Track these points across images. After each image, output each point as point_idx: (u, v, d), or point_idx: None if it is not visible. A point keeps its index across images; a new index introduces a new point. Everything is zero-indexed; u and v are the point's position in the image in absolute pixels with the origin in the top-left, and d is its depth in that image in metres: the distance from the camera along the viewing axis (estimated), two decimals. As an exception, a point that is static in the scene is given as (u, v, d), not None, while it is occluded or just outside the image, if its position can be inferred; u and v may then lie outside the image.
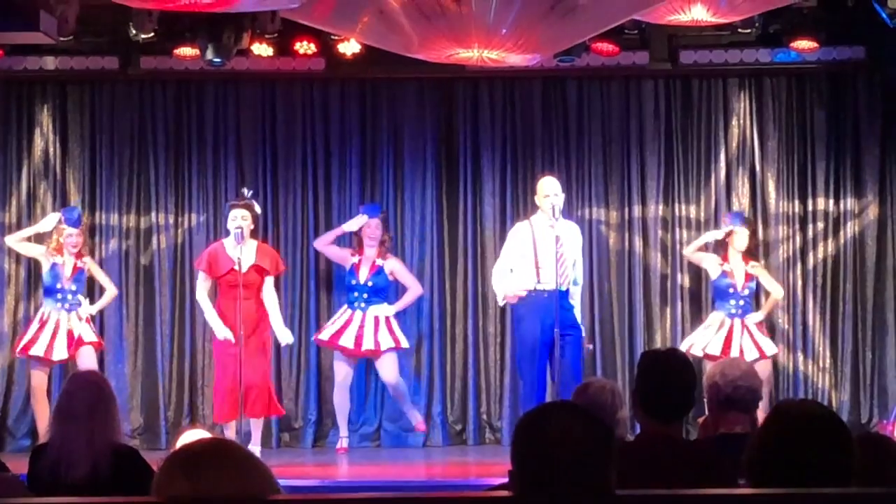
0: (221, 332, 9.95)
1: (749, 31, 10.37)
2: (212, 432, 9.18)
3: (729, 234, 10.58)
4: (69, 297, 10.31)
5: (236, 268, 9.79)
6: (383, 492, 8.13)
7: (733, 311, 10.44)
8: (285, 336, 10.15)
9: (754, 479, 3.32)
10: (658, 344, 10.98)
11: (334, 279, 11.23)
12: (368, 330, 10.37)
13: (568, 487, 2.78)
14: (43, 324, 10.27)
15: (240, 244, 9.87)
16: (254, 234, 10.27)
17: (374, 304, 10.45)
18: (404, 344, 10.49)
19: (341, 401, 10.58)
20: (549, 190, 9.68)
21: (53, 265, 10.31)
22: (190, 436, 8.39)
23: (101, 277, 10.53)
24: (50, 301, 10.34)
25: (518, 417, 3.08)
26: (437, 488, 8.33)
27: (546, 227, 9.60)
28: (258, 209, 10.30)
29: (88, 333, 10.29)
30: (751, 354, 10.20)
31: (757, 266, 10.63)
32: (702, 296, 11.21)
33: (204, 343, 11.08)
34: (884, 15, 9.14)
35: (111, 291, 10.52)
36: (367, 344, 10.35)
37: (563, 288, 9.51)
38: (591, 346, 10.22)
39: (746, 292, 10.48)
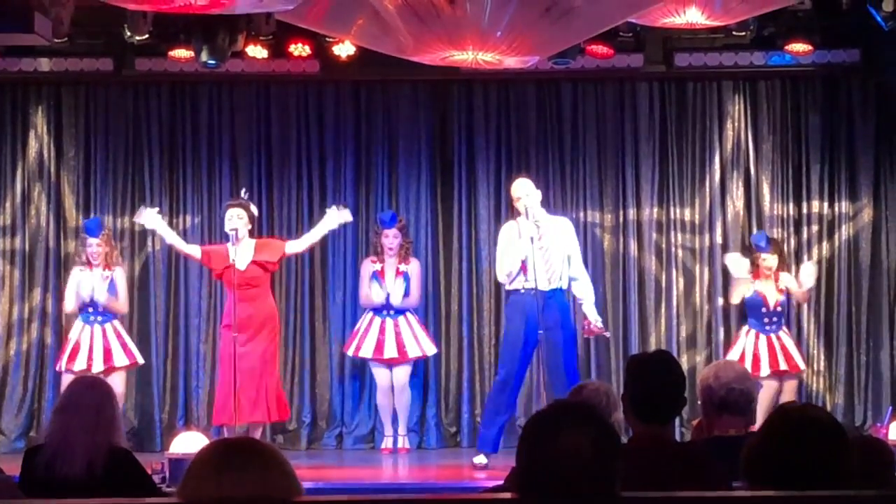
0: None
1: (744, 33, 10.37)
2: (206, 434, 9.19)
3: (756, 257, 10.52)
4: (101, 308, 10.17)
5: (233, 261, 9.74)
6: (378, 494, 8.14)
7: (767, 327, 10.43)
8: (334, 217, 10.21)
9: (752, 481, 3.33)
10: (652, 346, 10.98)
11: (329, 281, 11.23)
12: (408, 336, 10.45)
13: (573, 496, 2.77)
14: (78, 342, 10.12)
15: (235, 246, 9.83)
16: (251, 234, 10.24)
17: (404, 311, 10.51)
18: (429, 352, 10.59)
19: (384, 402, 10.65)
20: (519, 192, 9.56)
21: (83, 280, 10.19)
22: (185, 438, 8.45)
23: (120, 290, 10.26)
24: (83, 316, 10.19)
25: (527, 419, 3.00)
26: (432, 490, 8.32)
27: (526, 227, 9.47)
28: (255, 210, 10.26)
29: (120, 355, 10.16)
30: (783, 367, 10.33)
31: (786, 278, 10.53)
32: (696, 298, 11.23)
33: (199, 345, 11.09)
34: (878, 18, 9.16)
35: (121, 309, 10.32)
36: (413, 351, 10.46)
37: (550, 287, 9.43)
38: (607, 334, 10.14)
39: (780, 308, 10.45)
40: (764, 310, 10.40)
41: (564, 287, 9.54)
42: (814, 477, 3.23)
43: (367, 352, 10.51)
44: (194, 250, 10.19)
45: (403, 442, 10.62)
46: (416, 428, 11.06)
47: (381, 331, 10.46)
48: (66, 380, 9.93)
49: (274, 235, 11.11)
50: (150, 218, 10.16)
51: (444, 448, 11.05)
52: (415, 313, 10.60)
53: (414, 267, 10.64)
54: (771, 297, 10.40)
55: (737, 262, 10.63)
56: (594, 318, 9.59)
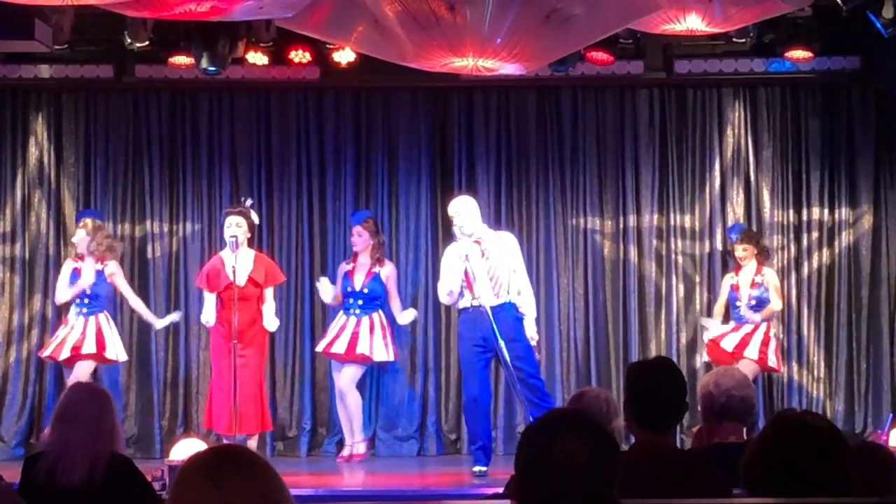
0: (205, 314, 10.05)
1: (744, 40, 10.37)
2: (206, 441, 9.17)
3: (732, 248, 10.59)
4: (86, 300, 10.17)
5: (232, 278, 9.75)
6: (378, 501, 8.13)
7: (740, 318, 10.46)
8: (272, 322, 10.14)
9: (752, 488, 3.33)
10: (653, 353, 10.98)
11: (329, 288, 11.22)
12: (364, 335, 10.35)
13: (572, 503, 2.77)
14: (69, 330, 10.14)
15: (234, 253, 9.82)
16: (251, 243, 10.23)
17: (370, 311, 10.44)
18: (377, 357, 10.37)
19: (341, 407, 10.57)
20: (450, 212, 9.66)
21: (73, 270, 10.25)
22: (185, 445, 8.43)
23: (122, 286, 10.34)
24: (73, 307, 10.23)
25: (524, 428, 3.01)
26: (432, 497, 8.32)
27: (463, 246, 9.48)
28: (255, 218, 10.22)
29: (91, 344, 10.11)
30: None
31: (767, 274, 10.56)
32: (696, 305, 11.22)
33: (199, 352, 11.08)
34: (878, 25, 9.16)
35: (135, 304, 10.42)
36: (362, 348, 10.30)
37: (499, 301, 9.38)
38: (537, 356, 10.10)
39: (754, 302, 10.43)
40: (738, 303, 10.43)
41: (514, 300, 9.51)
42: (814, 484, 3.23)
43: (321, 346, 10.49)
44: (209, 298, 10.13)
45: (356, 448, 10.41)
46: (417, 435, 11.06)
47: (342, 328, 10.37)
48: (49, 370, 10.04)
49: (273, 242, 11.10)
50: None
51: (444, 455, 11.04)
52: (387, 317, 10.49)
53: (387, 270, 10.52)
54: (744, 290, 10.42)
55: (714, 326, 10.62)
56: (530, 335, 9.56)
